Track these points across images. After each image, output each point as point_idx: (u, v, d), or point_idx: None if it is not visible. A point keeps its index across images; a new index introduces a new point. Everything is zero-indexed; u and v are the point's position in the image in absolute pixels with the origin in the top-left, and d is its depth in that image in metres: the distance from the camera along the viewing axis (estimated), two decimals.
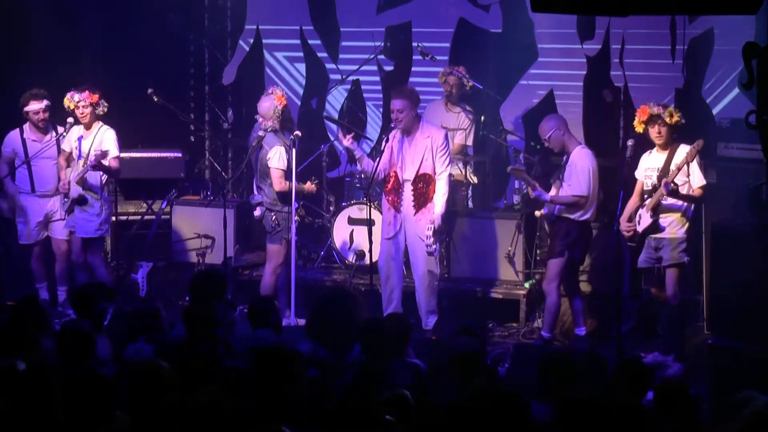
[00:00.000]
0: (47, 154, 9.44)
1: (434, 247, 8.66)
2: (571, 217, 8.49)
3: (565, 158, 8.61)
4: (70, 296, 7.91)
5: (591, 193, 8.43)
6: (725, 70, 9.80)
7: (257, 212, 9.11)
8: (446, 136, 8.85)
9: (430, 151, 8.66)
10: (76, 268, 9.50)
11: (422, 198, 8.72)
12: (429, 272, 8.76)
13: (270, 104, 8.90)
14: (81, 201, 9.27)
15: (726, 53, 9.69)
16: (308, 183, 9.11)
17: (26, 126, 9.52)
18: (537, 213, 8.81)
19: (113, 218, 10.34)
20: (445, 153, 8.70)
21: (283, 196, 8.87)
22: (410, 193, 8.74)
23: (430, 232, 8.61)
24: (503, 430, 4.44)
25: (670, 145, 8.14)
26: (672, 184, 7.94)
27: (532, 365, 6.31)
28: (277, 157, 8.80)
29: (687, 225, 8.17)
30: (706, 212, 8.74)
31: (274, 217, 8.89)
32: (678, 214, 8.14)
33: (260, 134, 8.91)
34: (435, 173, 8.69)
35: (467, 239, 9.73)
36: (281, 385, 4.85)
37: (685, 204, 8.14)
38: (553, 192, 8.64)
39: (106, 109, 9.35)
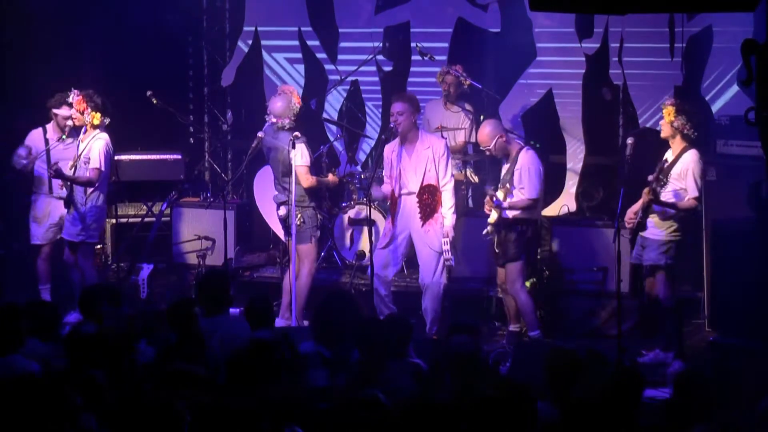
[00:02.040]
0: (65, 155, 9.35)
1: (452, 258, 8.68)
2: (527, 218, 8.50)
3: (504, 161, 8.63)
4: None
5: (541, 194, 8.56)
6: (724, 67, 9.80)
7: (282, 211, 8.98)
8: (446, 145, 8.84)
9: (433, 162, 8.64)
10: (69, 268, 9.42)
11: (429, 209, 8.69)
12: (439, 283, 8.76)
13: (286, 103, 8.84)
14: (66, 203, 9.23)
15: (725, 51, 9.70)
16: (330, 175, 9.17)
17: (50, 126, 9.42)
18: (485, 231, 8.73)
19: (113, 221, 10.35)
20: (446, 162, 8.70)
21: (311, 192, 8.87)
22: (416, 204, 8.71)
23: (448, 246, 8.62)
24: (510, 425, 4.44)
25: (676, 144, 8.09)
26: (650, 195, 7.96)
27: (533, 364, 6.32)
28: (299, 155, 8.79)
29: (671, 228, 8.07)
30: (706, 209, 8.73)
31: (299, 215, 8.84)
32: (659, 217, 8.10)
33: (260, 135, 8.88)
34: (439, 183, 8.69)
35: (467, 239, 9.72)
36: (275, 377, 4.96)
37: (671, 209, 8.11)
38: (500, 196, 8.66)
39: (98, 121, 9.08)
